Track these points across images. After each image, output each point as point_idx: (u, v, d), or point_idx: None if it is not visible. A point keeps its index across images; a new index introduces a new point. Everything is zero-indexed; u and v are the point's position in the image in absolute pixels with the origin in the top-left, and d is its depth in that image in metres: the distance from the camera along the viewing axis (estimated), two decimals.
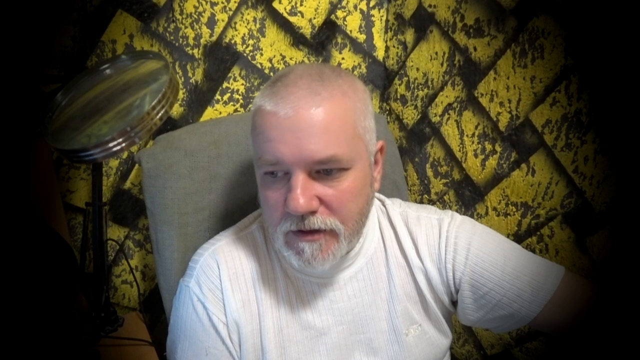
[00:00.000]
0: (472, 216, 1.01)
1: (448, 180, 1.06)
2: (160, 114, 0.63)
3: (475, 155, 0.97)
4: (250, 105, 1.07)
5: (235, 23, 1.00)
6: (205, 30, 0.97)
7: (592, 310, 0.63)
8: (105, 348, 0.86)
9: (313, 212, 0.58)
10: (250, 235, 0.73)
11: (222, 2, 0.97)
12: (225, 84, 1.03)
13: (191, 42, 0.96)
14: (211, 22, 0.97)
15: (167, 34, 0.94)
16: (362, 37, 1.15)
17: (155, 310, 1.10)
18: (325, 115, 0.56)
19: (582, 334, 0.64)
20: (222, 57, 1.01)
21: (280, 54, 1.07)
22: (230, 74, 1.03)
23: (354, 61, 1.17)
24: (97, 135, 0.63)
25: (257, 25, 1.02)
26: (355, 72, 1.18)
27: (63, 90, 0.73)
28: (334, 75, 0.60)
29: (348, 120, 0.59)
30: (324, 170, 0.57)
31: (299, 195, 0.55)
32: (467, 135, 0.99)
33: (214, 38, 0.99)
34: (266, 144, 0.58)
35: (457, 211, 1.04)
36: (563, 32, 0.76)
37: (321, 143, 0.56)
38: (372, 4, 1.14)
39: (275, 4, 1.02)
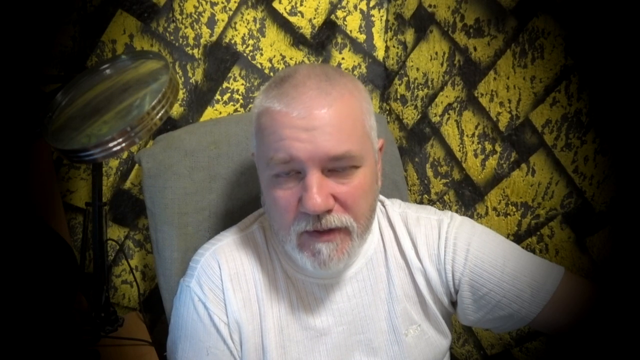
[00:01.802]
0: (472, 216, 1.01)
1: (448, 180, 1.06)
2: (160, 114, 0.63)
3: (475, 155, 0.97)
4: (250, 106, 1.07)
5: (235, 23, 1.00)
6: (205, 30, 0.97)
7: (592, 311, 0.63)
8: (105, 348, 0.86)
9: (329, 211, 0.57)
10: (250, 235, 0.73)
11: (222, 2, 0.97)
12: (225, 84, 1.03)
13: (191, 42, 0.96)
14: (211, 22, 0.97)
15: (167, 34, 0.94)
16: (362, 37, 1.15)
17: (155, 310, 1.10)
18: (338, 114, 0.57)
19: (582, 334, 0.64)
20: (222, 57, 1.01)
21: (280, 54, 1.07)
22: (230, 74, 1.03)
23: (354, 61, 1.17)
24: (97, 135, 0.63)
25: (257, 25, 1.02)
26: (355, 72, 1.18)
27: (63, 90, 0.73)
28: (337, 74, 0.61)
29: (358, 118, 0.60)
30: (337, 168, 0.57)
31: (315, 194, 0.55)
32: (467, 135, 0.99)
33: (214, 38, 0.99)
34: (278, 143, 0.57)
35: (457, 211, 1.04)
36: (563, 32, 0.75)
37: (335, 140, 0.56)
38: (372, 4, 1.14)
39: (275, 4, 1.02)
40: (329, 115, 0.56)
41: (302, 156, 0.56)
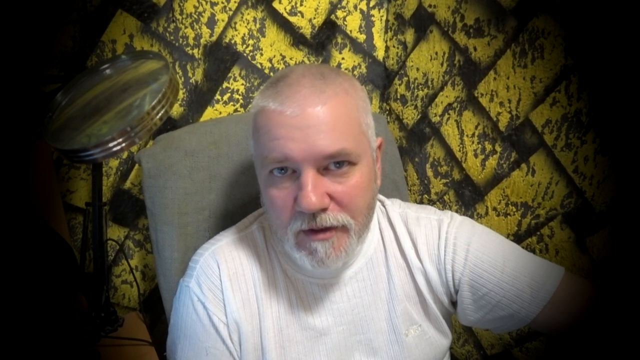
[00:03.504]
0: (472, 216, 1.01)
1: (448, 180, 1.06)
2: (160, 114, 0.63)
3: (475, 155, 0.97)
4: (250, 106, 1.07)
5: (235, 23, 1.00)
6: (205, 30, 0.97)
7: (592, 311, 0.63)
8: (105, 348, 0.86)
9: (324, 209, 0.57)
10: (250, 235, 0.73)
11: (222, 2, 0.97)
12: (225, 84, 1.03)
13: (191, 42, 0.96)
14: (211, 22, 0.97)
15: (167, 34, 0.94)
16: (362, 37, 1.15)
17: (155, 310, 1.10)
18: (332, 112, 0.56)
19: (582, 334, 0.64)
20: (222, 57, 1.01)
21: (280, 54, 1.07)
22: (230, 74, 1.03)
23: (354, 61, 1.17)
24: (97, 135, 0.63)
25: (257, 25, 1.02)
26: (355, 72, 1.18)
27: (63, 90, 0.73)
28: (333, 74, 0.61)
29: (353, 116, 0.59)
30: (334, 164, 0.57)
31: (310, 192, 0.55)
32: (467, 135, 0.99)
33: (214, 38, 0.99)
34: (273, 142, 0.57)
35: (457, 211, 1.04)
36: (563, 32, 0.76)
37: (330, 138, 0.56)
38: (372, 4, 1.14)
39: (275, 4, 1.02)
40: (323, 113, 0.56)
41: (296, 155, 0.56)
